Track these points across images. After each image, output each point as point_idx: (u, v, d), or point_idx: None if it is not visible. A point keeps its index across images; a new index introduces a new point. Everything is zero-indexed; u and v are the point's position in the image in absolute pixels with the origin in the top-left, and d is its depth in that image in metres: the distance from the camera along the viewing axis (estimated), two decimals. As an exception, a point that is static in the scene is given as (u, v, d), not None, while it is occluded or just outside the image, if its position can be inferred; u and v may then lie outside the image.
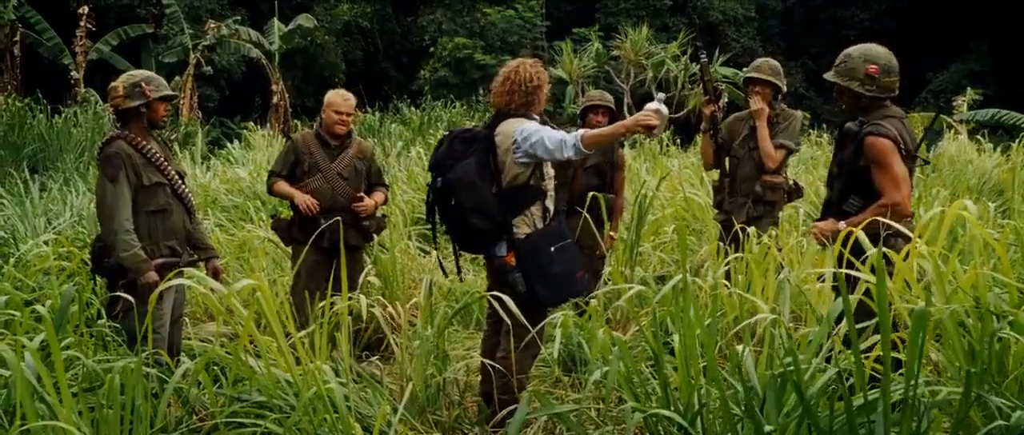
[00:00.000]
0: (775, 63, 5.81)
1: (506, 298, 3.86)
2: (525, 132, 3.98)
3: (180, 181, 4.46)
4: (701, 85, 6.18)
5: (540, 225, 4.09)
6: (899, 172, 3.84)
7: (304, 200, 5.34)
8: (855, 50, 4.09)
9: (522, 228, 4.05)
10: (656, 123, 3.80)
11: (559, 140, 3.88)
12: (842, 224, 3.87)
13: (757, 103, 5.65)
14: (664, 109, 3.87)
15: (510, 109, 4.12)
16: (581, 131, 3.89)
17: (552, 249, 4.04)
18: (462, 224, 4.07)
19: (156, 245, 4.32)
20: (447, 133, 4.27)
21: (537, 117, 4.17)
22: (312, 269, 5.26)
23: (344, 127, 5.46)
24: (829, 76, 4.12)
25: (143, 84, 4.32)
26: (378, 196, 5.61)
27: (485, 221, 4.00)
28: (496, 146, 4.04)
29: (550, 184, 4.19)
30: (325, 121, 5.47)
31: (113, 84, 4.39)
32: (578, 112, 6.28)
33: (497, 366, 4.03)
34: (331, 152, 5.46)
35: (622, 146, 6.24)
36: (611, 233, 5.97)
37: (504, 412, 4.01)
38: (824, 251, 4.19)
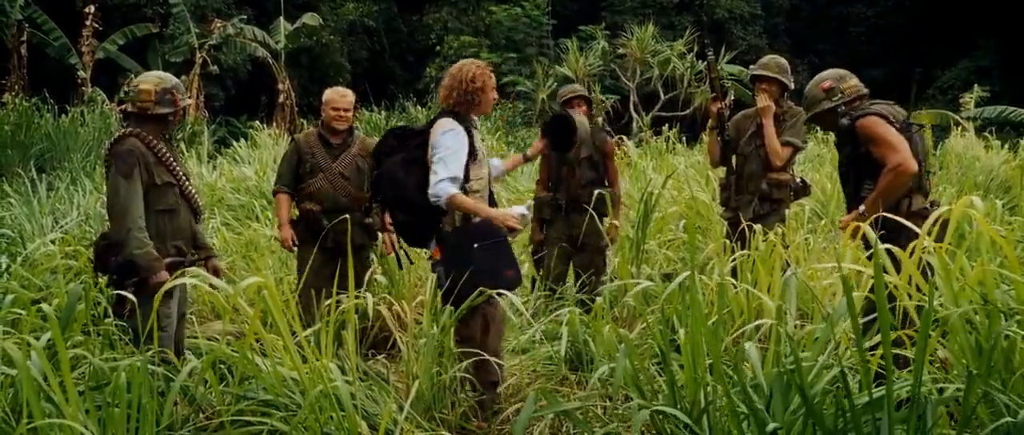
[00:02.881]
0: (782, 60, 5.80)
1: (509, 295, 3.87)
2: (439, 144, 4.08)
3: (187, 182, 4.46)
4: (708, 83, 6.18)
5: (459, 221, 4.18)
6: (892, 137, 4.11)
7: (285, 237, 5.53)
8: (808, 85, 4.60)
9: (444, 224, 4.18)
10: (516, 226, 4.13)
11: (442, 179, 4.01)
12: (862, 208, 4.10)
13: (763, 101, 5.64)
14: (528, 215, 4.28)
15: (450, 107, 4.23)
16: (455, 191, 4.02)
17: (475, 246, 4.08)
18: (392, 217, 4.32)
19: (163, 244, 4.31)
20: (388, 130, 4.44)
21: (475, 119, 4.29)
22: (317, 269, 5.27)
23: (344, 123, 5.50)
24: (807, 117, 4.69)
25: (174, 92, 4.33)
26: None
27: (406, 216, 4.19)
28: (428, 144, 4.15)
29: (477, 184, 4.21)
30: (325, 119, 5.54)
31: (143, 87, 4.33)
32: (559, 107, 6.26)
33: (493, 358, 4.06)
34: (333, 152, 5.49)
35: (611, 135, 6.24)
36: (615, 221, 5.96)
37: (510, 410, 4.01)
38: (839, 236, 4.32)
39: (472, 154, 4.15)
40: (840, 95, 4.40)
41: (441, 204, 4.03)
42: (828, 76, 4.50)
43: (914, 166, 4.06)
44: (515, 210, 4.19)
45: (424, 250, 4.46)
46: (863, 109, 4.27)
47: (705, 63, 6.04)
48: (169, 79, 4.41)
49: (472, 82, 4.19)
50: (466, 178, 4.12)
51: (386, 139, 4.34)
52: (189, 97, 4.46)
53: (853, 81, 4.44)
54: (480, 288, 3.96)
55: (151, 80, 4.38)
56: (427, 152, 4.12)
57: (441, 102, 4.30)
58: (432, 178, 4.03)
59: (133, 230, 4.16)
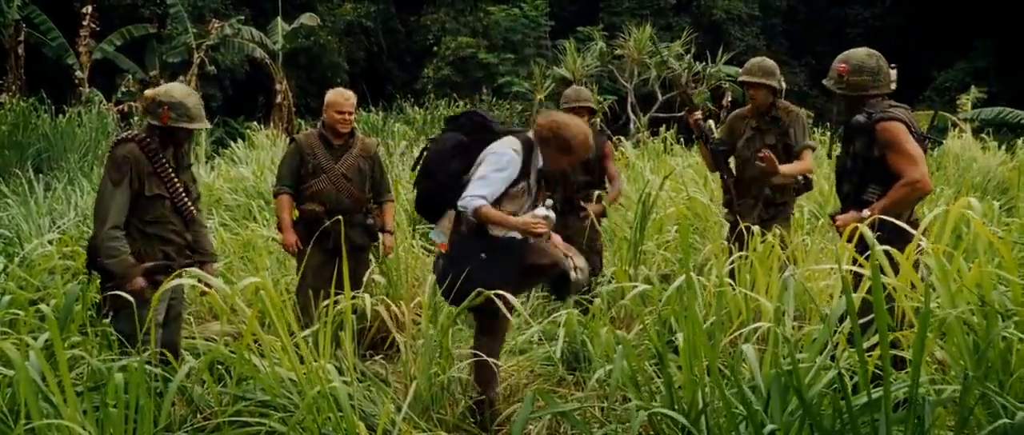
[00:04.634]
0: (768, 63, 5.64)
1: (508, 295, 3.87)
2: (490, 158, 4.11)
3: (184, 194, 4.42)
4: (681, 96, 6.15)
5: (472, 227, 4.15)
6: (914, 151, 3.95)
7: (288, 242, 5.48)
8: (844, 52, 4.32)
9: (495, 231, 4.12)
10: (543, 230, 4.12)
11: (473, 195, 4.00)
12: (866, 212, 3.94)
13: (767, 166, 5.36)
14: (552, 216, 4.17)
15: (534, 134, 4.25)
16: (483, 204, 3.99)
17: (482, 255, 4.06)
18: (418, 182, 4.41)
19: (152, 249, 4.28)
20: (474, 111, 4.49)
21: (539, 160, 4.25)
22: (317, 269, 5.27)
23: (348, 125, 5.49)
24: (843, 89, 4.27)
25: (166, 107, 4.27)
26: (389, 218, 5.72)
27: (432, 186, 4.26)
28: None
29: (513, 207, 4.17)
30: (327, 121, 5.49)
31: (147, 92, 4.41)
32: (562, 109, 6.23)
33: (498, 363, 4.07)
34: (334, 153, 5.47)
35: (609, 138, 6.22)
36: (606, 202, 5.94)
37: (508, 410, 4.02)
38: (838, 237, 4.23)
39: (515, 184, 4.14)
40: (845, 86, 4.20)
41: (468, 215, 4.03)
42: (851, 60, 4.22)
43: (930, 185, 3.99)
44: (538, 212, 4.15)
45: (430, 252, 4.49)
46: (886, 111, 4.06)
47: (671, 77, 5.99)
48: (173, 93, 4.34)
49: (556, 133, 4.19)
50: (497, 203, 4.09)
51: (469, 117, 4.40)
52: (192, 121, 4.39)
53: (866, 78, 4.18)
54: (478, 290, 3.96)
55: (159, 89, 4.42)
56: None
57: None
58: (468, 189, 4.03)
59: (107, 240, 4.13)
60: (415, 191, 4.52)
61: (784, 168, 5.37)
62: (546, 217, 4.13)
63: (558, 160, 4.27)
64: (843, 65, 4.21)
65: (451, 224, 4.21)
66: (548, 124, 4.22)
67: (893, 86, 4.23)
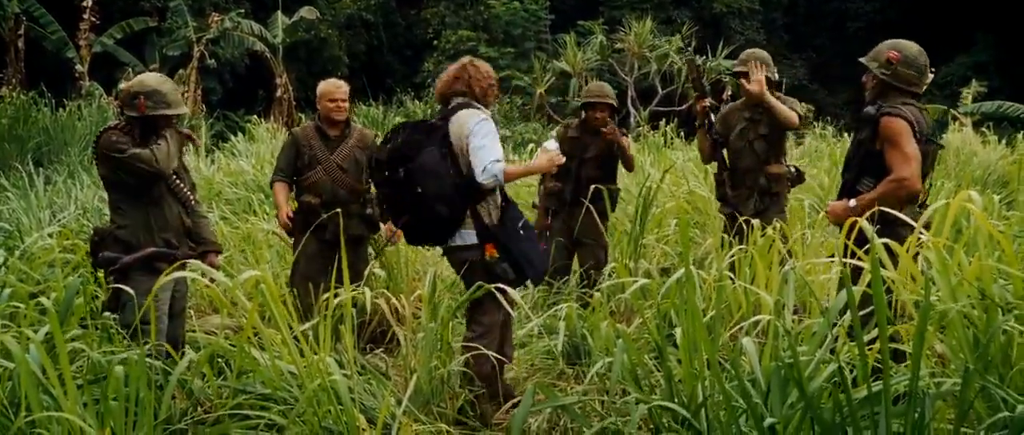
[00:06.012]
0: (761, 54, 5.59)
1: (510, 290, 3.87)
2: (477, 131, 4.05)
3: (175, 177, 4.44)
4: (691, 82, 6.11)
5: (495, 212, 4.16)
6: (910, 150, 3.93)
7: (283, 219, 5.50)
8: (892, 39, 4.25)
9: (483, 218, 4.13)
10: (561, 161, 4.36)
11: (491, 162, 3.99)
12: (853, 202, 3.98)
13: (754, 86, 5.35)
14: (557, 146, 4.37)
15: (457, 98, 4.22)
16: (503, 166, 4.03)
17: (521, 230, 4.17)
18: (427, 212, 4.08)
19: (151, 236, 4.31)
20: (399, 125, 4.35)
21: (487, 111, 4.25)
22: (310, 258, 5.28)
23: (342, 113, 5.51)
24: (862, 58, 4.28)
25: (142, 97, 4.29)
26: None
27: (447, 209, 4.06)
28: (450, 135, 4.11)
29: None
30: (322, 112, 5.52)
31: (125, 84, 4.43)
32: (579, 106, 6.24)
33: (503, 359, 4.06)
34: (330, 144, 5.48)
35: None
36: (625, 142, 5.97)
37: (508, 404, 4.02)
38: (837, 231, 4.23)
39: None
40: (891, 75, 4.11)
41: (500, 182, 4.05)
42: (904, 51, 4.12)
43: (918, 185, 3.96)
44: (549, 146, 4.32)
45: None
46: (895, 107, 4.03)
47: (684, 61, 5.95)
48: (149, 85, 4.36)
49: (488, 77, 4.27)
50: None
51: (410, 134, 4.19)
52: (170, 107, 4.39)
53: (914, 72, 4.11)
54: (478, 284, 3.98)
55: (134, 80, 4.44)
56: (452, 145, 4.09)
57: (444, 93, 4.29)
58: (480, 161, 3.99)
59: (138, 159, 4.22)
60: (413, 221, 4.21)
61: (768, 96, 5.33)
62: (556, 149, 4.31)
63: (494, 94, 4.37)
64: (895, 53, 4.12)
65: (472, 220, 4.15)
66: (472, 75, 4.27)
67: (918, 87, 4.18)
